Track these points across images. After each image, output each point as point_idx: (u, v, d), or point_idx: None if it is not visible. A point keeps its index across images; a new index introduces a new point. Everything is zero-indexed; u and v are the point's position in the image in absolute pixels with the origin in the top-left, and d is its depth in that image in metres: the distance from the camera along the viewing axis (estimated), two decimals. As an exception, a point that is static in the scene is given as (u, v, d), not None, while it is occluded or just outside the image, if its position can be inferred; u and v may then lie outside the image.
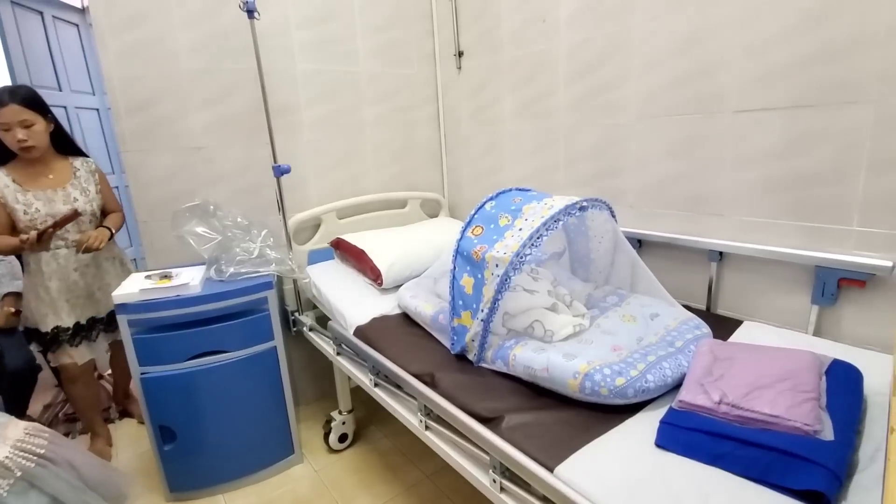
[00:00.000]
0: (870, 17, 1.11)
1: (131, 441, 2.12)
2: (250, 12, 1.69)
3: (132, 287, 1.56)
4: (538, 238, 1.18)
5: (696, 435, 0.89)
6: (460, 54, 2.29)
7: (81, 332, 1.83)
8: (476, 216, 1.37)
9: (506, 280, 1.17)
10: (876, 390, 0.99)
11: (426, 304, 1.51)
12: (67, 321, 1.79)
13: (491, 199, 1.39)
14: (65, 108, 2.83)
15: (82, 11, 2.98)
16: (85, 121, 2.98)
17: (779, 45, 1.26)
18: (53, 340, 1.77)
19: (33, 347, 1.86)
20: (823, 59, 1.19)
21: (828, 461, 0.76)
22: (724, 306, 1.52)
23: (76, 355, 1.83)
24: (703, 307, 1.55)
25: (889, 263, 1.15)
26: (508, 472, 1.00)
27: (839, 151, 1.21)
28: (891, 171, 1.14)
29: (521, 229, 1.22)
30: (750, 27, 1.30)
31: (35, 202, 1.67)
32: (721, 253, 1.47)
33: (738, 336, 1.31)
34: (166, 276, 1.63)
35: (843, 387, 0.96)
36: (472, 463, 1.11)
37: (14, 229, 1.68)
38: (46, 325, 1.76)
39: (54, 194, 1.71)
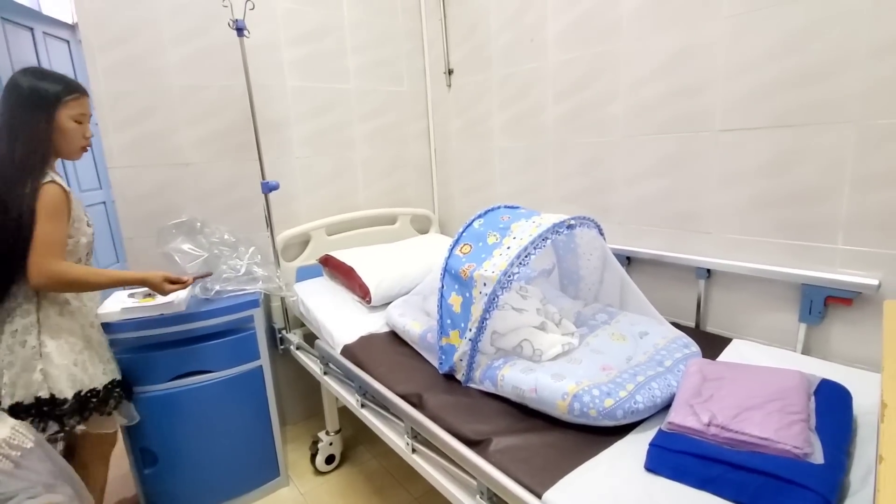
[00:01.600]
0: (851, 39, 1.13)
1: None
2: (240, 30, 1.69)
3: (114, 306, 1.53)
4: (526, 257, 1.18)
5: (685, 458, 0.87)
6: (450, 72, 2.31)
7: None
8: (464, 234, 1.36)
9: (494, 299, 1.16)
10: (866, 410, 0.98)
11: (414, 322, 1.50)
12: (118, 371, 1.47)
13: (479, 216, 1.39)
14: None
15: (73, 27, 2.97)
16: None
17: (762, 65, 1.28)
18: (105, 399, 1.37)
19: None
20: (806, 79, 1.21)
21: (818, 486, 0.75)
22: (714, 324, 1.52)
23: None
24: (693, 324, 1.54)
25: (875, 282, 1.15)
26: (496, 498, 0.97)
27: (823, 170, 1.22)
28: (874, 190, 1.15)
29: (509, 248, 1.21)
30: (734, 48, 1.32)
31: (85, 216, 1.37)
32: (709, 270, 1.47)
33: (727, 354, 1.30)
34: (150, 295, 1.60)
35: (833, 407, 0.96)
36: (459, 488, 1.08)
37: None
38: (105, 379, 1.38)
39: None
